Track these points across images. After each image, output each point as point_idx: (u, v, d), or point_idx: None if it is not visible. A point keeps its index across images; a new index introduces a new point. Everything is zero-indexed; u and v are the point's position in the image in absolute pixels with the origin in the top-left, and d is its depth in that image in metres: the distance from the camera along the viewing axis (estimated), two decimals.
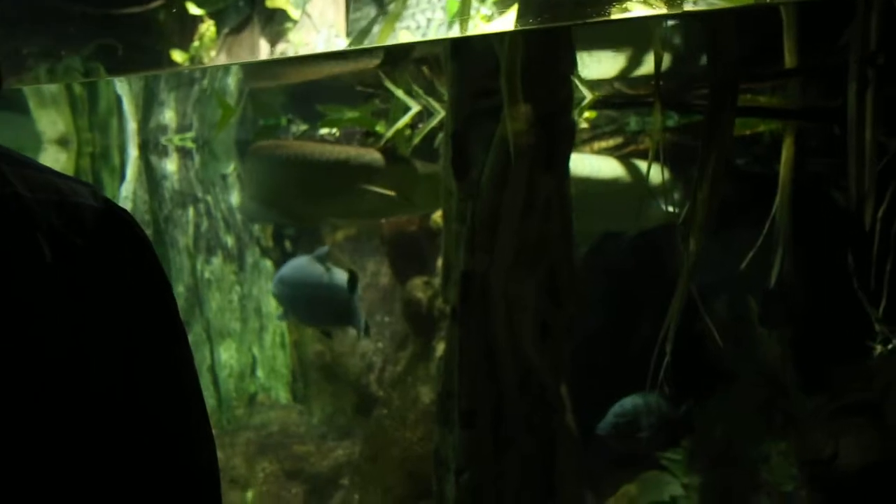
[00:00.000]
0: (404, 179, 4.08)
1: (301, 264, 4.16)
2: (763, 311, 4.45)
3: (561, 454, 3.30)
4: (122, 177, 5.54)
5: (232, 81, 5.14)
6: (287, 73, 4.37)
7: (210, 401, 5.66)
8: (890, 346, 3.71)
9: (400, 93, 3.71)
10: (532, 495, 3.29)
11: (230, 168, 5.60)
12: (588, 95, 3.30)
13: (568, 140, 2.98)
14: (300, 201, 4.35)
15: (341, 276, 4.05)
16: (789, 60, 3.37)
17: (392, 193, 4.00)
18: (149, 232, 5.62)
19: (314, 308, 4.14)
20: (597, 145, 4.34)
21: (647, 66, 3.40)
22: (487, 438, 3.15)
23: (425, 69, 3.96)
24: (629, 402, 3.59)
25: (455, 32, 2.90)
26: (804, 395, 4.41)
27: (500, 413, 3.14)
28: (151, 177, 5.60)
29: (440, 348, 4.21)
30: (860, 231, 3.36)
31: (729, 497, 4.80)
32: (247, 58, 3.81)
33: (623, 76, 3.77)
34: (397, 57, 3.70)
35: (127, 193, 5.51)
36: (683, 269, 2.80)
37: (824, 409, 3.76)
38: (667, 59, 3.75)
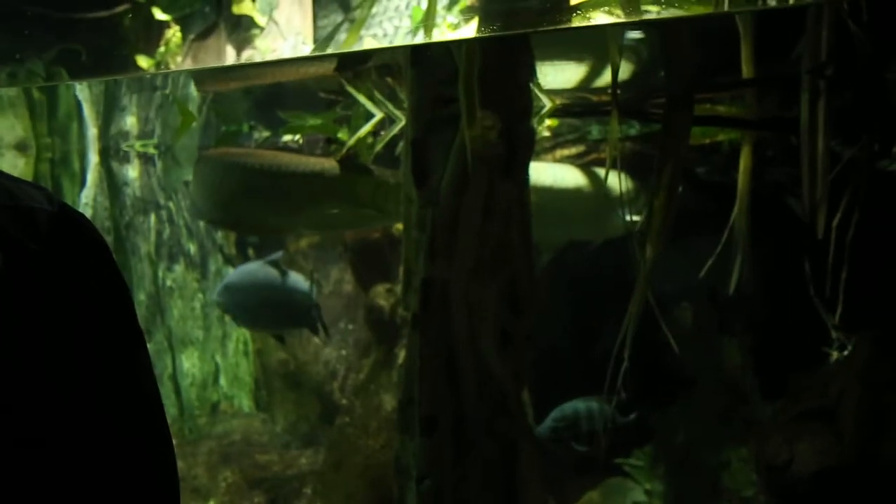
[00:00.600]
0: (372, 190, 4.06)
1: (252, 270, 4.13)
2: (722, 319, 4.51)
3: (522, 461, 3.31)
4: (83, 183, 5.47)
5: (195, 87, 5.10)
6: (249, 75, 4.33)
7: (172, 410, 5.60)
8: (846, 353, 3.78)
9: (362, 99, 3.71)
10: (493, 502, 3.29)
11: None
12: (548, 104, 3.32)
13: (527, 147, 3.00)
14: (254, 211, 4.31)
15: (296, 278, 4.03)
16: (746, 71, 3.42)
17: (337, 209, 3.98)
18: (109, 239, 5.55)
19: (269, 313, 4.11)
20: (559, 153, 4.37)
21: (609, 76, 3.43)
22: (448, 445, 3.15)
23: (389, 78, 3.97)
24: (570, 406, 3.61)
25: (417, 39, 2.91)
26: (763, 402, 4.47)
27: (461, 420, 3.14)
28: (112, 183, 5.53)
29: (403, 355, 4.21)
30: (815, 239, 3.41)
31: (690, 502, 4.85)
32: (213, 64, 3.79)
33: (585, 85, 3.81)
34: (359, 63, 3.70)
35: (87, 200, 5.44)
36: (640, 275, 2.83)
37: (781, 415, 3.81)
38: (628, 70, 3.79)
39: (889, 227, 3.54)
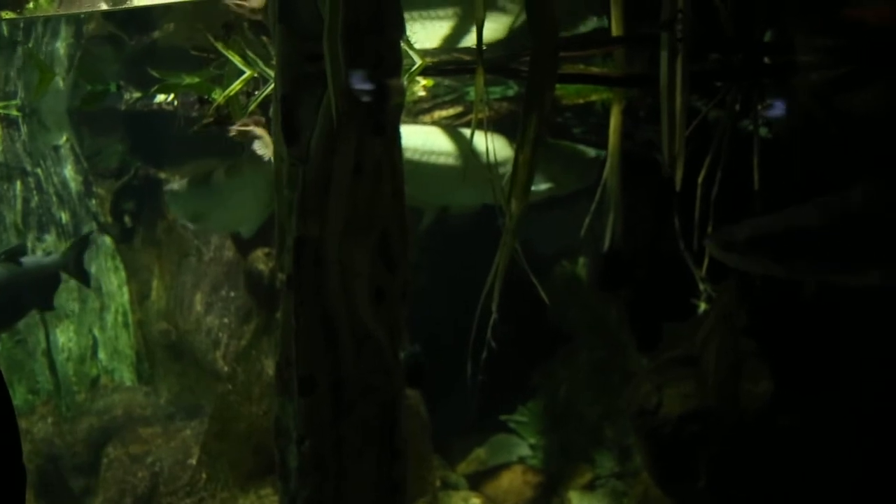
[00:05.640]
0: None
1: None
2: (598, 275, 4.65)
3: (403, 419, 3.32)
4: None
5: (61, 46, 4.85)
6: None
7: (47, 386, 5.38)
8: (711, 304, 3.96)
9: (232, 56, 3.61)
10: (374, 461, 3.30)
11: (62, 139, 5.29)
12: (418, 61, 3.31)
13: (397, 105, 2.98)
14: None
15: (32, 260, 3.92)
16: (615, 29, 3.50)
17: None
18: None
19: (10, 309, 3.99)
20: (436, 114, 4.37)
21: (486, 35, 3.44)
22: (327, 404, 3.13)
23: (264, 37, 3.87)
24: None
25: None
26: (639, 354, 4.65)
27: (339, 379, 3.13)
28: None
29: None
30: (682, 195, 3.54)
31: (574, 453, 5.02)
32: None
33: (455, 44, 3.81)
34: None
35: None
36: (505, 229, 2.88)
37: (653, 365, 3.98)
38: (503, 28, 3.82)
39: (748, 185, 3.72)
